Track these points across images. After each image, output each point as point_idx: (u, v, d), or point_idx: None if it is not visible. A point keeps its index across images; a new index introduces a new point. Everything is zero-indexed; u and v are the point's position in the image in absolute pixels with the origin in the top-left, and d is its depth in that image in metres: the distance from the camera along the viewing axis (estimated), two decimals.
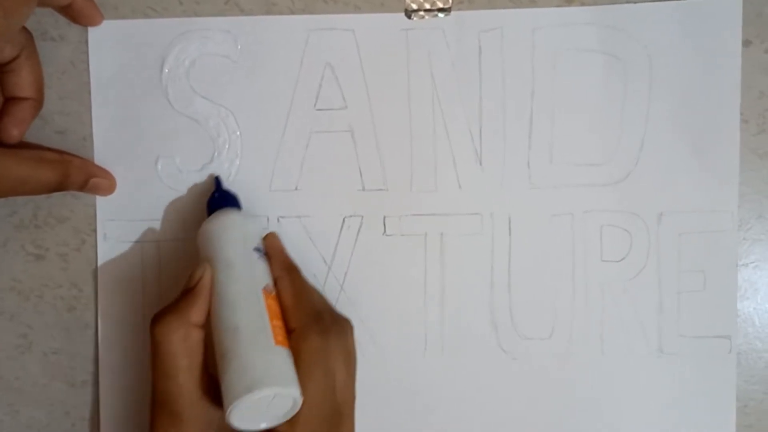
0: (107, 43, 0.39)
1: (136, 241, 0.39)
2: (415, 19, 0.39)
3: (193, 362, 0.31)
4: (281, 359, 0.31)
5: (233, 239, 0.34)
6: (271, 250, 0.36)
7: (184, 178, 0.39)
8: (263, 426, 0.30)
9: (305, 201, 0.39)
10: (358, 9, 0.39)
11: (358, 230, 0.39)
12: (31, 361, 0.40)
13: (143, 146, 0.39)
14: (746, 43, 0.38)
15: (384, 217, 0.39)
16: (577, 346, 0.39)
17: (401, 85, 0.39)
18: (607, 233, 0.39)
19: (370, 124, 0.39)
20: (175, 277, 0.39)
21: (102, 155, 0.39)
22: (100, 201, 0.39)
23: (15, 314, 0.40)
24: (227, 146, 0.39)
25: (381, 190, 0.39)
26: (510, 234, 0.39)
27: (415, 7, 0.39)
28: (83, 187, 0.38)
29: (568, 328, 0.39)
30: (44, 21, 0.38)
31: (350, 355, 0.34)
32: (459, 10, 0.38)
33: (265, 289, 0.33)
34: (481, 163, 0.39)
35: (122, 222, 0.39)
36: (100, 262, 0.39)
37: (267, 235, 0.37)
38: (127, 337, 0.39)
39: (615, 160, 0.39)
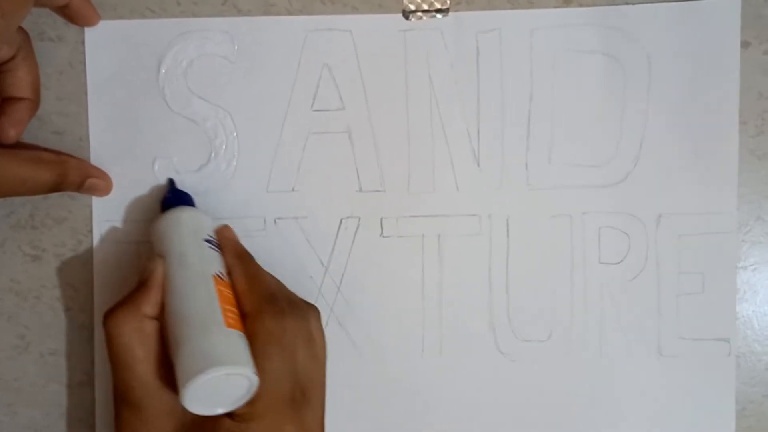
0: (104, 43, 0.39)
1: (133, 242, 0.39)
2: (412, 20, 0.39)
3: (149, 353, 0.31)
4: (232, 340, 0.30)
5: (184, 232, 0.34)
6: (224, 240, 0.36)
7: (181, 178, 0.39)
8: (219, 410, 0.30)
9: (302, 202, 0.39)
10: (355, 10, 0.38)
11: (356, 231, 0.39)
12: (29, 361, 0.40)
13: (140, 147, 0.39)
14: (745, 44, 0.38)
15: (381, 219, 0.39)
16: (575, 348, 0.39)
17: (399, 86, 0.39)
18: (605, 235, 0.39)
19: (368, 125, 0.39)
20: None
21: (99, 156, 0.39)
22: (97, 202, 0.39)
23: (13, 315, 0.40)
24: (224, 147, 0.39)
25: (378, 191, 0.39)
26: (508, 235, 0.39)
27: (413, 8, 0.38)
28: (80, 187, 0.38)
29: (566, 330, 0.39)
30: (41, 21, 0.38)
31: (312, 338, 0.33)
32: (457, 11, 0.38)
33: (216, 276, 0.33)
34: (479, 164, 0.39)
35: (119, 223, 0.39)
36: (96, 263, 0.39)
37: (220, 227, 0.37)
38: None
39: (613, 162, 0.39)
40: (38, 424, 0.40)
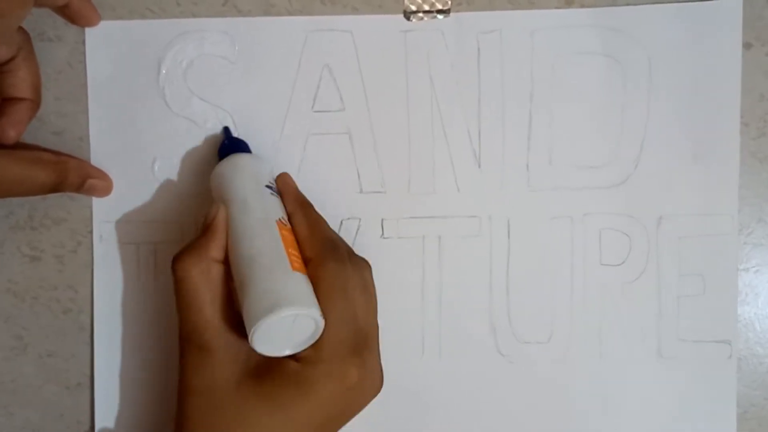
0: (104, 43, 0.38)
1: (133, 243, 0.39)
2: (413, 20, 0.38)
3: (216, 295, 0.32)
4: (299, 283, 0.31)
5: (245, 178, 0.35)
6: (284, 186, 0.36)
7: (182, 179, 0.39)
8: (287, 352, 0.31)
9: None
10: (356, 10, 0.38)
11: (356, 233, 0.39)
12: (26, 363, 0.40)
13: (140, 147, 0.39)
14: (747, 45, 0.38)
15: (382, 220, 0.39)
16: (575, 350, 0.39)
17: (400, 87, 0.39)
18: (606, 237, 0.39)
19: (368, 126, 0.39)
20: (171, 278, 0.39)
21: (98, 156, 0.39)
22: (97, 202, 0.39)
23: (10, 316, 0.40)
24: None
25: (379, 192, 0.39)
26: (509, 237, 0.39)
27: (413, 8, 0.38)
28: (80, 188, 0.37)
29: (566, 332, 0.39)
30: (41, 21, 0.38)
31: (368, 288, 0.34)
32: (458, 11, 0.38)
33: (279, 221, 0.33)
34: (479, 166, 0.39)
35: (119, 223, 0.39)
36: (96, 264, 0.39)
37: (280, 174, 0.37)
38: (123, 340, 0.39)
39: (615, 163, 0.39)
40: (35, 426, 0.40)
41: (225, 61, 0.39)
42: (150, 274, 0.39)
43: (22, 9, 0.32)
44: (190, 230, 0.39)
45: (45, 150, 0.38)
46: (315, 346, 0.31)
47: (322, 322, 0.30)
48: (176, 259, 0.32)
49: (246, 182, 0.35)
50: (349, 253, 0.35)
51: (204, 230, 0.33)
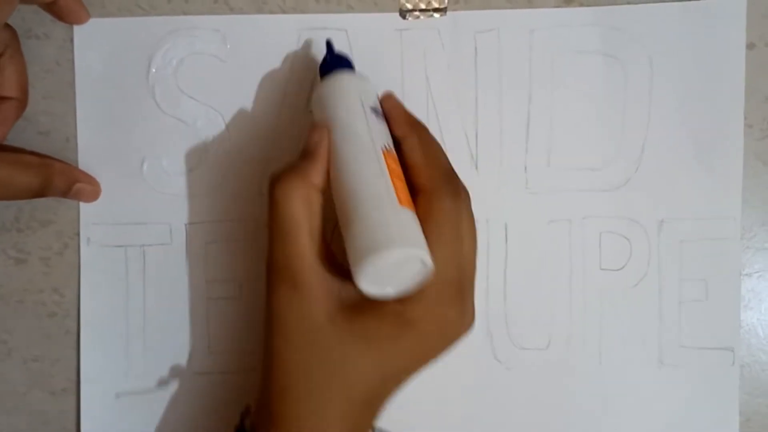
0: (93, 41, 0.38)
1: (121, 246, 0.38)
2: (409, 19, 0.38)
3: (314, 226, 0.30)
4: (407, 220, 0.29)
5: (349, 99, 0.32)
6: (391, 109, 0.33)
7: (171, 180, 0.38)
8: (391, 292, 0.29)
9: None
10: (351, 8, 0.38)
11: None
12: (11, 368, 0.39)
13: (129, 147, 0.38)
14: (750, 45, 0.37)
15: None
16: (574, 356, 0.38)
17: (395, 87, 0.38)
18: (606, 240, 0.38)
19: None
20: (160, 282, 0.38)
21: (86, 156, 0.38)
22: (84, 204, 0.38)
23: None
24: (215, 148, 0.38)
25: None
26: (506, 240, 0.38)
27: (409, 6, 0.38)
28: (66, 193, 0.37)
29: (565, 338, 0.38)
30: (29, 18, 0.38)
31: (474, 225, 0.32)
32: (455, 10, 0.38)
33: (384, 149, 0.31)
34: (477, 167, 0.38)
35: (106, 226, 0.38)
36: (83, 267, 0.38)
37: (385, 95, 0.34)
38: (110, 344, 0.38)
39: (615, 165, 0.38)
40: None
41: (216, 60, 0.38)
42: (138, 277, 0.38)
43: (7, 5, 0.32)
44: (180, 233, 0.38)
45: (30, 152, 0.37)
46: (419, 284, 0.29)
47: (431, 265, 0.28)
48: (277, 181, 0.30)
49: (350, 105, 0.32)
50: (463, 186, 0.32)
51: (305, 154, 0.31)
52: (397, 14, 0.38)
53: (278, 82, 0.38)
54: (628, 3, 0.37)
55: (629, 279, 0.38)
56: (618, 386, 0.38)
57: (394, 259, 0.28)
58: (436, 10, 0.38)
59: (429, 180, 0.31)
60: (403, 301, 0.29)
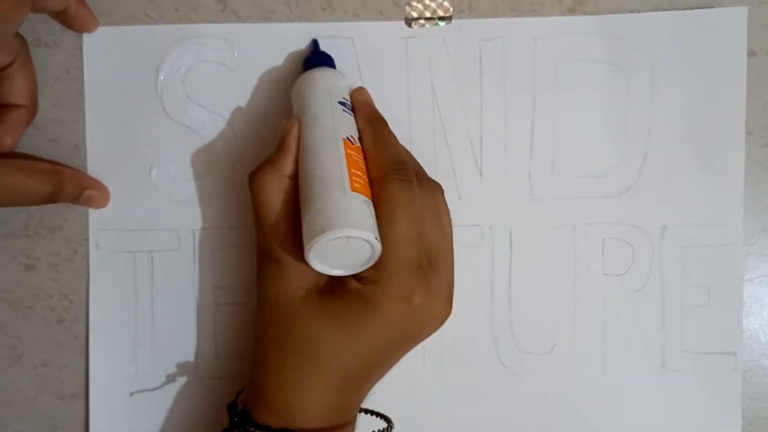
0: (102, 49, 0.38)
1: (129, 252, 0.39)
2: (415, 27, 0.38)
3: (291, 211, 0.32)
4: (356, 204, 0.30)
5: (318, 93, 0.34)
6: (357, 103, 0.35)
7: (179, 186, 0.38)
8: (341, 272, 0.31)
9: None
10: (357, 17, 0.38)
11: None
12: (20, 373, 0.39)
13: (137, 154, 0.38)
14: (751, 53, 0.38)
15: None
16: (578, 361, 0.39)
17: (401, 94, 0.38)
18: (609, 246, 0.39)
19: None
20: (168, 288, 0.38)
21: (95, 163, 0.38)
22: (93, 211, 0.38)
23: (4, 325, 0.39)
24: (223, 154, 0.38)
25: None
26: (511, 246, 0.39)
27: (415, 15, 0.38)
28: (77, 199, 0.37)
29: (569, 343, 0.39)
30: (38, 27, 0.38)
31: (439, 211, 0.33)
32: (460, 18, 0.38)
33: (347, 140, 0.33)
34: (481, 174, 0.38)
35: (115, 232, 0.38)
36: (91, 273, 0.39)
37: (355, 89, 0.36)
38: (118, 349, 0.39)
39: (618, 172, 0.38)
40: None
41: (224, 68, 0.38)
42: (146, 283, 0.39)
43: (19, 14, 0.32)
44: (187, 239, 0.38)
45: (41, 159, 0.37)
46: (376, 266, 0.30)
47: (378, 246, 0.30)
48: (252, 175, 0.33)
49: (319, 98, 0.34)
50: (419, 174, 0.34)
51: (278, 146, 0.33)
52: (403, 22, 0.38)
53: (285, 90, 0.38)
54: (631, 11, 0.38)
55: (632, 284, 0.39)
56: (621, 390, 0.38)
57: (337, 241, 0.29)
58: (441, 18, 0.38)
59: (379, 169, 0.32)
60: (364, 281, 0.31)
